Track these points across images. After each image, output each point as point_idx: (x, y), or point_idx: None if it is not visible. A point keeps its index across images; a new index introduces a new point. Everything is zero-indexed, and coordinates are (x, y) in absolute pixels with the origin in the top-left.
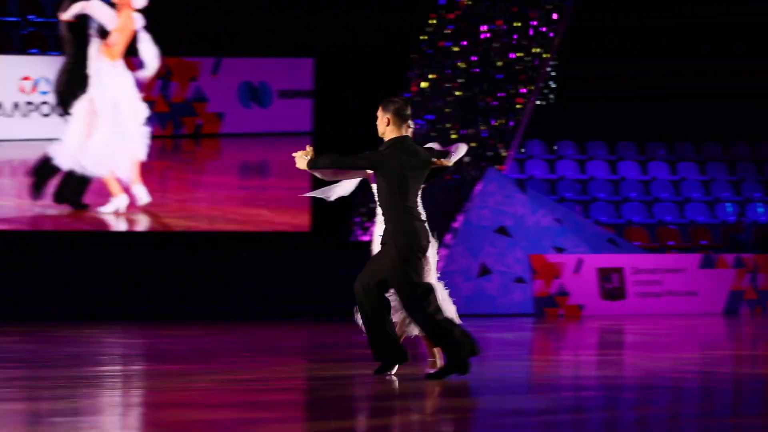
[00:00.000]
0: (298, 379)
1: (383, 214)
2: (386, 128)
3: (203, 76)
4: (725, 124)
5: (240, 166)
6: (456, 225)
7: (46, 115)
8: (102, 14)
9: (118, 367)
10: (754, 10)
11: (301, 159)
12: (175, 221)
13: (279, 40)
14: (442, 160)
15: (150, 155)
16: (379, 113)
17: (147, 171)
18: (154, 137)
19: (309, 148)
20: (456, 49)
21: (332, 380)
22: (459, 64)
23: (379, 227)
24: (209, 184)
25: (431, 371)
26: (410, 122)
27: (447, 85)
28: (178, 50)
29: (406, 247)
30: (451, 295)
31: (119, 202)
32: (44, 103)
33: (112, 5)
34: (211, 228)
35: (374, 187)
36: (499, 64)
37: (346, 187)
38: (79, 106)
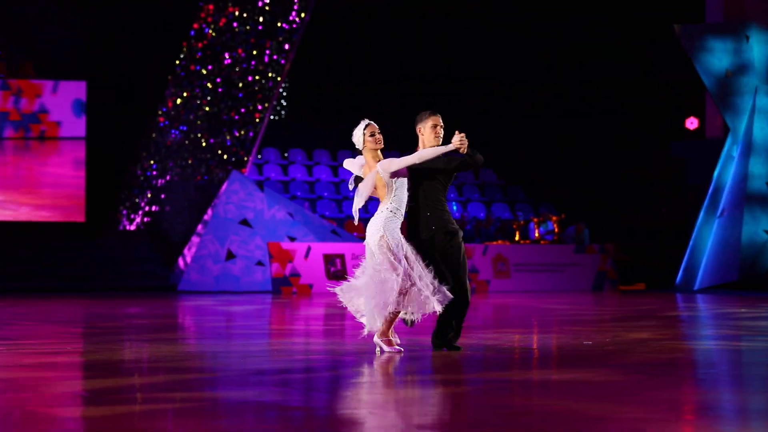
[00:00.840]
0: (77, 344)
1: (432, 208)
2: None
3: (46, 94)
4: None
5: (74, 161)
6: (206, 218)
7: None
8: None
9: None
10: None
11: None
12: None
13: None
14: None
15: (6, 153)
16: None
17: (3, 165)
18: (9, 139)
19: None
20: (204, 72)
21: (107, 345)
22: (207, 84)
23: (396, 222)
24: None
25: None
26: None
27: (197, 101)
28: (28, 75)
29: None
30: (202, 275)
31: None
32: None
33: None
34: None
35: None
36: (240, 85)
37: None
38: None
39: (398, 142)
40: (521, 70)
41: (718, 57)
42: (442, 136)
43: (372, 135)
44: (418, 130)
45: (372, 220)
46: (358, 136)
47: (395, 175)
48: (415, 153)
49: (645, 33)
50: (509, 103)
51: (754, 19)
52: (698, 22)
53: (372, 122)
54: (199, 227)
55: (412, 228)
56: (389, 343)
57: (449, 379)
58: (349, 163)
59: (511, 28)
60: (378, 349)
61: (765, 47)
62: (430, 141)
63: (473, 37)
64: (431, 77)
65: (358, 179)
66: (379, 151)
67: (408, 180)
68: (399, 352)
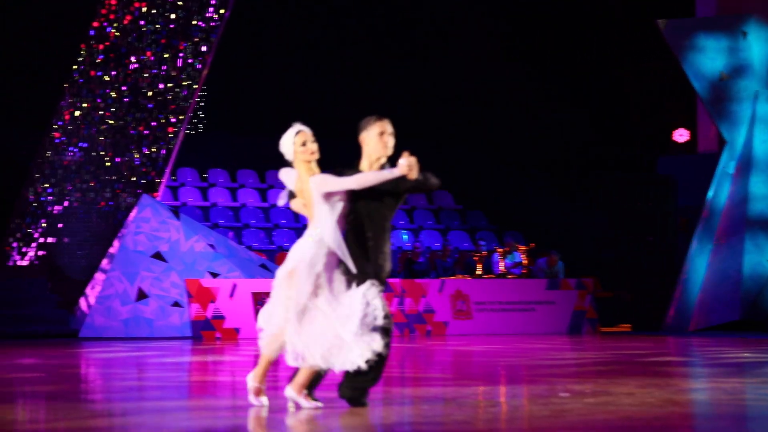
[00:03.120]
0: None
1: (375, 237)
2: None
3: None
4: None
5: None
6: (112, 251)
7: None
8: None
9: None
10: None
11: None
12: None
13: None
14: None
15: None
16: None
17: None
18: None
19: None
20: (107, 78)
21: None
22: (110, 93)
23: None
24: None
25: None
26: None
27: (99, 113)
28: None
29: None
30: (109, 319)
31: None
32: None
33: None
34: None
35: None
36: (150, 94)
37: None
38: None
39: (338, 158)
40: (484, 83)
41: (710, 57)
42: (391, 146)
43: (304, 144)
44: (360, 140)
45: (298, 244)
46: (288, 145)
47: (329, 196)
48: (354, 176)
49: (626, 31)
50: (469, 116)
51: (752, 13)
52: (687, 16)
53: (305, 128)
54: (104, 262)
55: (354, 259)
56: (307, 397)
57: None
58: (285, 174)
59: (479, 37)
60: (292, 404)
61: (765, 45)
62: (377, 152)
63: (430, 42)
64: (379, 82)
65: (292, 195)
66: (314, 164)
67: (346, 200)
68: (317, 408)
